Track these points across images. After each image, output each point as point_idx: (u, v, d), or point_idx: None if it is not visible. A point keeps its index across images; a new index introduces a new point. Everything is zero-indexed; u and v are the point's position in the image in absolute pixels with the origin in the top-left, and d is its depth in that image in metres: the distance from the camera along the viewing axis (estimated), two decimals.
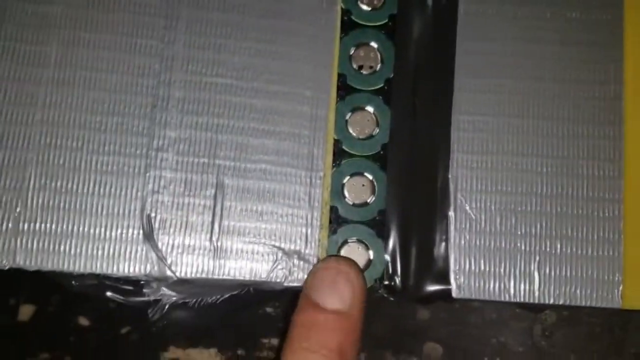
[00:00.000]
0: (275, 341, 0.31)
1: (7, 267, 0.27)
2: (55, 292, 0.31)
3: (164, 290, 0.29)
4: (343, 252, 0.29)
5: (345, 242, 0.29)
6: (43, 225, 0.28)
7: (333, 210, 0.29)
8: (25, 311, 0.31)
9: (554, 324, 0.31)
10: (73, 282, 0.29)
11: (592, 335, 0.31)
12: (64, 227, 0.28)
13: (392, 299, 0.29)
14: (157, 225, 0.28)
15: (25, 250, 0.27)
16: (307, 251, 0.29)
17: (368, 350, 0.31)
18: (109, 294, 0.30)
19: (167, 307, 0.29)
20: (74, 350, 0.31)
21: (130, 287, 0.30)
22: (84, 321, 0.31)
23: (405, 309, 0.31)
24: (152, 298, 0.29)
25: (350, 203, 0.30)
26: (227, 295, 0.29)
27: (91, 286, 0.30)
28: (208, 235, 0.28)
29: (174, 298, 0.29)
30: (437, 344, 0.31)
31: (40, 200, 0.28)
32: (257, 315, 0.31)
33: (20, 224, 0.27)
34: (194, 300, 0.29)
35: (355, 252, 0.29)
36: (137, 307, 0.30)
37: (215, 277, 0.28)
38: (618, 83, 0.30)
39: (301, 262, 0.28)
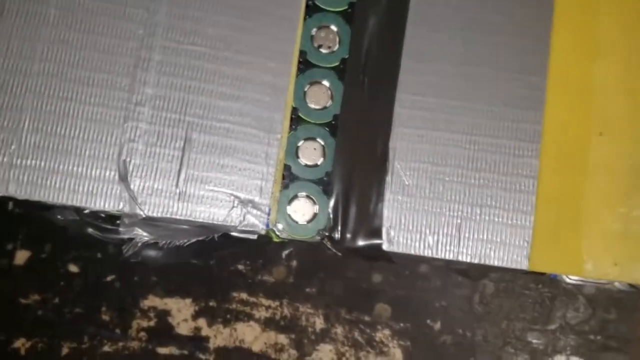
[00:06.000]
0: (244, 295, 0.32)
1: (0, 195, 0.30)
2: (48, 240, 0.32)
3: (137, 230, 0.32)
4: (293, 205, 0.32)
5: (295, 197, 0.32)
6: (34, 161, 0.31)
7: (287, 168, 0.32)
8: (21, 256, 0.32)
9: (492, 293, 0.33)
10: (58, 216, 0.32)
11: (524, 305, 0.33)
12: (52, 164, 0.31)
13: (333, 249, 0.32)
14: (131, 169, 0.31)
15: (17, 182, 0.31)
16: (261, 201, 0.32)
17: (325, 307, 0.32)
18: (89, 230, 0.32)
19: (139, 245, 0.32)
20: (63, 294, 0.32)
21: (108, 226, 0.32)
22: (73, 268, 0.32)
23: (361, 272, 0.33)
24: (126, 236, 0.32)
25: (303, 163, 0.33)
26: (193, 240, 0.32)
27: (74, 221, 0.32)
28: (175, 181, 0.31)
29: (146, 238, 0.32)
30: (387, 305, 0.33)
31: (32, 140, 0.31)
32: (230, 271, 0.33)
33: (15, 159, 0.31)
34: (164, 241, 0.32)
35: (304, 205, 0.32)
36: (114, 244, 0.32)
37: (178, 217, 0.31)
38: (541, 75, 0.33)
39: (254, 210, 0.32)
